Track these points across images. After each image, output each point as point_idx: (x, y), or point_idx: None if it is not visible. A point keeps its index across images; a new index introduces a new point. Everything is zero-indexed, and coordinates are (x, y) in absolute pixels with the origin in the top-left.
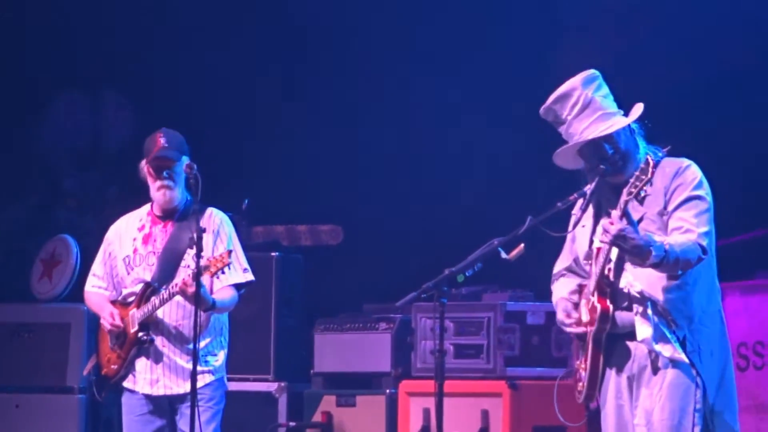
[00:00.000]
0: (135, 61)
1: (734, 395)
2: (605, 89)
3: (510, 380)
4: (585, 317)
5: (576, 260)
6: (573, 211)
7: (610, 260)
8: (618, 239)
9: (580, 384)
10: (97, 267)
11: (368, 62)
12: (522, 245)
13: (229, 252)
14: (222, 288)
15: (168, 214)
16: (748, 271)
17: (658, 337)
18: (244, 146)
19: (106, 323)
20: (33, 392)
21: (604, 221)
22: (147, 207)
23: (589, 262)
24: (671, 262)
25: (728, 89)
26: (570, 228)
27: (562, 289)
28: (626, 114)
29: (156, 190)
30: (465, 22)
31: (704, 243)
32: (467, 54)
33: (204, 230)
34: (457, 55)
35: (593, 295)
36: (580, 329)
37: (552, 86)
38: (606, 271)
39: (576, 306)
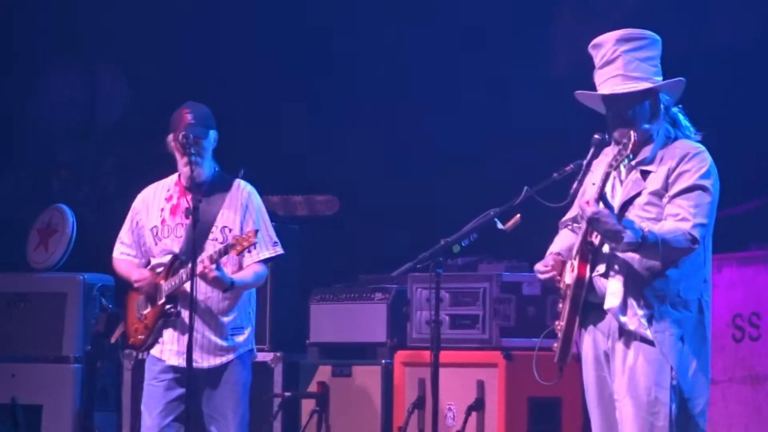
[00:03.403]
0: (132, 32)
1: (707, 387)
2: (647, 53)
3: (505, 351)
4: (568, 279)
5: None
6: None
7: None
8: (592, 222)
9: (555, 344)
10: (124, 234)
11: (366, 33)
12: (518, 216)
13: (256, 231)
14: (249, 265)
15: (196, 186)
16: (743, 242)
17: (625, 309)
18: (240, 116)
19: (138, 281)
20: (29, 362)
21: (581, 201)
22: (174, 177)
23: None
24: (650, 248)
25: (725, 60)
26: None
27: (558, 242)
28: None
29: (184, 165)
30: None
31: (696, 234)
32: (465, 25)
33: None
34: (455, 27)
35: (575, 259)
36: (550, 274)
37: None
38: (589, 236)
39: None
